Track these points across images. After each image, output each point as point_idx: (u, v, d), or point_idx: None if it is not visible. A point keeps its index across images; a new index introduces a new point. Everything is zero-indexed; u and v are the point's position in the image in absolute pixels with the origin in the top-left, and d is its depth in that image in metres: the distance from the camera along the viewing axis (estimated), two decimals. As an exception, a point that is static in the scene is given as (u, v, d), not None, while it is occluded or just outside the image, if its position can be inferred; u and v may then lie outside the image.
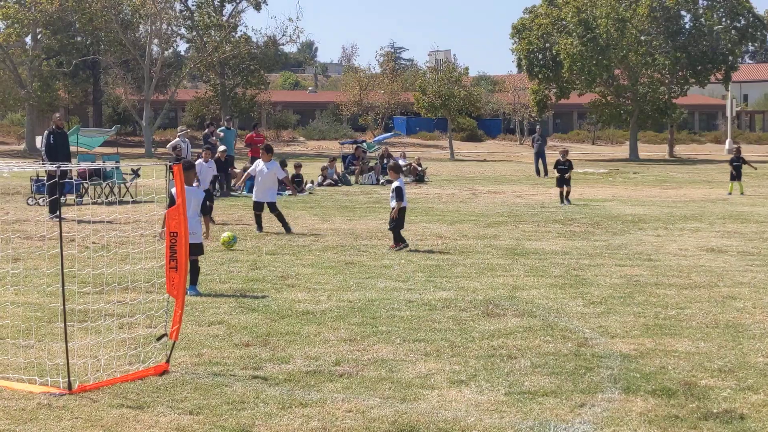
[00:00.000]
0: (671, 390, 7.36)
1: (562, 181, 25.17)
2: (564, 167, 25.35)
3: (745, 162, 29.12)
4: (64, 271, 7.72)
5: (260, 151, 19.79)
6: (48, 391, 7.29)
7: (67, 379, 7.33)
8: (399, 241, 15.52)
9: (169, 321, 8.13)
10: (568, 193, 25.19)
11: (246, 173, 20.49)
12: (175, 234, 7.97)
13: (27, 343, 8.66)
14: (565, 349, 8.72)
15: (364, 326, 9.67)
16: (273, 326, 9.66)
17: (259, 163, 18.55)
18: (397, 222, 15.57)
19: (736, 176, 28.84)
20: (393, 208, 15.58)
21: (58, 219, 18.74)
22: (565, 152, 26.49)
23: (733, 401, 7.09)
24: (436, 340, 9.06)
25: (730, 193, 28.57)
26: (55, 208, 19.47)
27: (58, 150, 20.16)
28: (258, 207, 18.08)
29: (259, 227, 17.90)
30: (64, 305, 7.61)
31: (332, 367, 8.08)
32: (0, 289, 11.21)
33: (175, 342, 8.09)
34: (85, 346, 8.54)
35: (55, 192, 19.63)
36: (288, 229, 17.75)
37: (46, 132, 20.84)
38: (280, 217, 17.94)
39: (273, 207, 18.01)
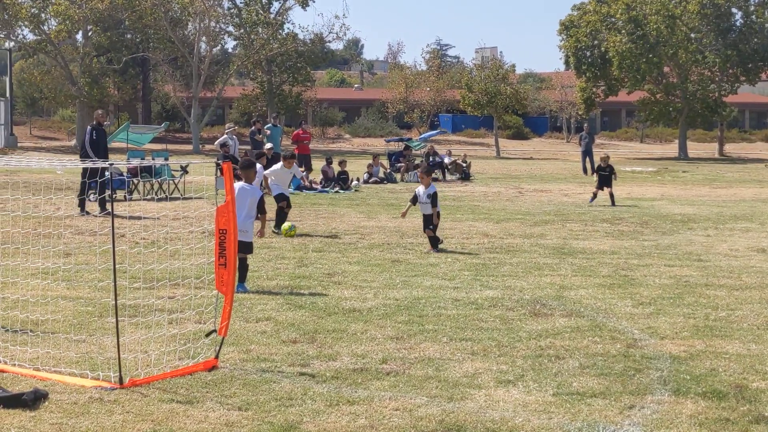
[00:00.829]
0: (722, 392, 7.28)
1: (603, 183, 24.44)
2: (605, 173, 24.67)
3: None
4: (115, 266, 7.81)
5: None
6: (99, 386, 7.39)
7: (118, 374, 7.42)
8: (435, 244, 15.32)
9: (218, 317, 8.21)
10: (611, 194, 24.43)
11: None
12: (224, 231, 8.03)
13: (79, 337, 8.78)
14: (614, 350, 8.66)
15: (410, 324, 9.68)
16: (320, 323, 9.70)
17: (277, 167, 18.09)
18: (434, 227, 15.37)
19: None
20: (431, 214, 15.28)
21: (106, 215, 19.14)
22: (605, 158, 25.72)
23: (785, 405, 7.00)
24: (482, 340, 9.04)
25: None
26: (85, 205, 19.89)
27: (99, 146, 20.53)
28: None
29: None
30: (116, 300, 7.71)
31: (379, 365, 8.10)
32: (52, 284, 11.38)
33: (224, 338, 8.16)
34: (135, 341, 8.64)
35: (100, 189, 19.93)
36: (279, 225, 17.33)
37: (88, 128, 21.16)
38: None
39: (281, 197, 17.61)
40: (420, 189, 15.68)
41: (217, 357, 8.07)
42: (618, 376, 7.77)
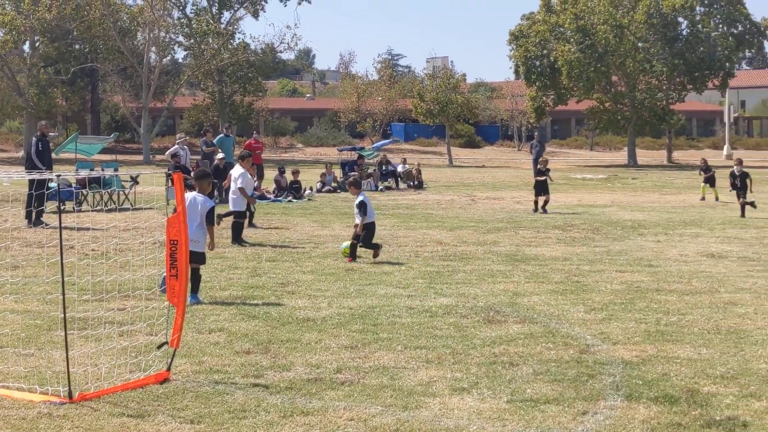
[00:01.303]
0: (674, 397, 7.34)
1: (540, 190, 24.37)
2: (544, 173, 24.54)
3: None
4: (64, 279, 7.68)
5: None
6: (48, 400, 7.25)
7: (67, 388, 7.29)
8: (375, 248, 15.18)
9: (170, 329, 8.10)
10: (546, 201, 24.25)
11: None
12: (175, 242, 7.94)
13: (27, 351, 8.63)
14: (567, 356, 8.70)
15: (365, 333, 9.64)
16: (274, 333, 9.63)
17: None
18: (364, 236, 15.17)
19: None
20: (357, 225, 15.15)
21: (40, 227, 18.89)
22: (545, 161, 25.59)
23: (735, 408, 7.07)
24: (437, 347, 9.03)
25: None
26: (33, 217, 19.45)
27: (44, 157, 20.32)
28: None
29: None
30: (65, 313, 7.58)
31: (334, 375, 8.05)
32: (0, 298, 11.18)
33: (176, 350, 8.06)
34: (85, 354, 8.50)
35: (40, 201, 19.55)
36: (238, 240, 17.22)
37: (33, 139, 20.91)
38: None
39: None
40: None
41: (168, 369, 7.96)
42: (571, 382, 7.80)
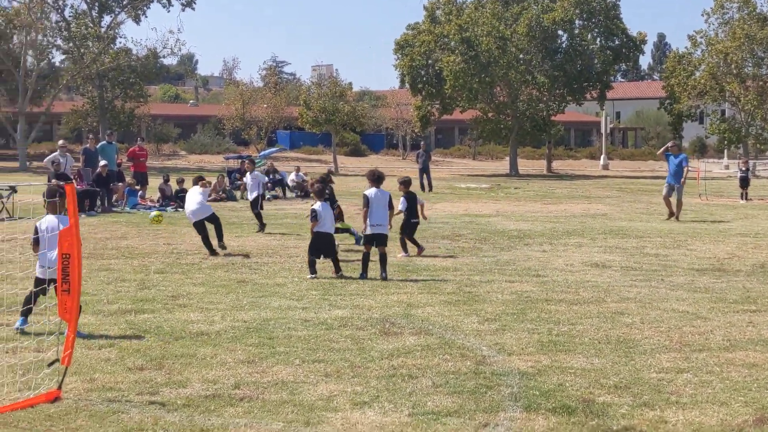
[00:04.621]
0: (571, 407, 7.48)
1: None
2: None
3: None
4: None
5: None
6: (-69, 423, 6.92)
7: (-48, 410, 6.97)
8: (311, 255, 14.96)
9: (61, 346, 7.83)
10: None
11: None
12: (67, 256, 7.69)
13: None
14: (465, 367, 8.77)
15: (261, 347, 9.52)
16: (167, 348, 9.42)
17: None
18: (310, 244, 14.70)
19: None
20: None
21: None
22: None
23: (631, 418, 7.25)
24: (335, 361, 8.99)
25: None
26: None
27: None
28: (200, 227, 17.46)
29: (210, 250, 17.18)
30: (-51, 332, 7.24)
31: (232, 391, 7.92)
32: None
33: (67, 368, 7.80)
34: (-31, 373, 8.15)
35: None
36: (219, 243, 17.37)
37: None
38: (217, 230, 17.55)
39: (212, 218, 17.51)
40: None
41: (60, 388, 7.70)
42: (470, 394, 7.87)
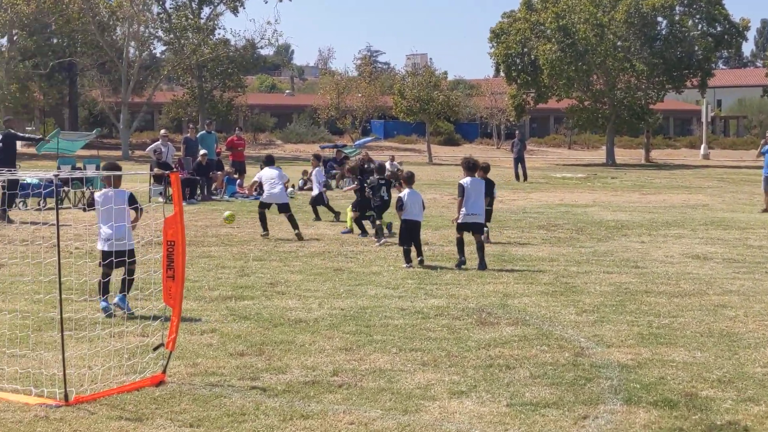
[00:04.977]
0: (673, 401, 7.35)
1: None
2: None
3: None
4: (50, 278, 7.58)
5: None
6: (44, 403, 7.18)
7: (63, 390, 7.22)
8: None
9: (166, 330, 8.04)
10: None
11: (253, 184, 21.10)
12: (172, 243, 7.87)
13: (19, 352, 8.52)
14: (563, 359, 8.70)
15: (358, 335, 9.60)
16: (267, 335, 9.58)
17: (265, 171, 19.06)
18: (400, 233, 14.76)
19: None
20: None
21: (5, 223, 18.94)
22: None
23: (735, 413, 7.09)
24: (432, 350, 9.01)
25: None
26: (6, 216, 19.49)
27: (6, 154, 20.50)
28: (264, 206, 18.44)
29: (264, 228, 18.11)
30: (61, 315, 7.48)
31: (330, 378, 8.01)
32: (-14, 297, 11.04)
33: (171, 352, 8.00)
34: (78, 356, 8.42)
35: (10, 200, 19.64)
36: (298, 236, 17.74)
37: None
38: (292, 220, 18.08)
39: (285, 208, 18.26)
40: None
41: (164, 372, 7.90)
42: (569, 386, 7.80)
